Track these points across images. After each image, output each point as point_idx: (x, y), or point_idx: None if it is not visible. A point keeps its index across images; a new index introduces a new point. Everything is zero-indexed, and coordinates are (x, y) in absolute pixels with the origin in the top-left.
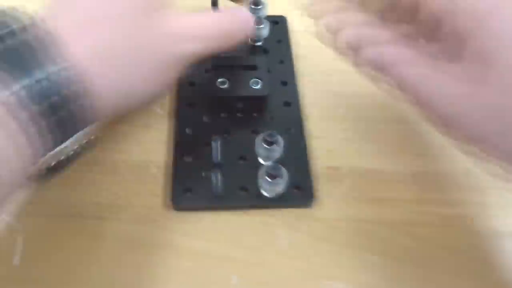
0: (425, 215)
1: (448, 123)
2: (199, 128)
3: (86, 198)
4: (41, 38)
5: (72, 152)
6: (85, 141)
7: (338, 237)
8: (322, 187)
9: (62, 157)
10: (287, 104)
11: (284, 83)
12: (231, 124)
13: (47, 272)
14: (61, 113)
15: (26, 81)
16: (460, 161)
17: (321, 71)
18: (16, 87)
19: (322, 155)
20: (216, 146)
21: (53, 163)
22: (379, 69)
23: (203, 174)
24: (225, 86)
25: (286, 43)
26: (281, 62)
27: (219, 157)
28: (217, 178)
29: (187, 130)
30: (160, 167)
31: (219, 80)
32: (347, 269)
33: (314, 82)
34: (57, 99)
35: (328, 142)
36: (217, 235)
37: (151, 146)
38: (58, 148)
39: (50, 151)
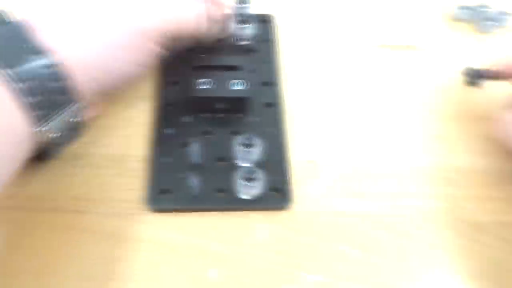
0: (403, 208)
1: None
2: (179, 128)
3: (66, 192)
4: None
5: (61, 139)
6: (72, 129)
7: (317, 230)
8: (302, 180)
9: (54, 143)
10: (269, 105)
11: (268, 84)
12: (212, 124)
13: (27, 265)
14: (44, 92)
15: (17, 68)
16: (433, 155)
17: (308, 70)
18: (9, 72)
19: (303, 149)
20: (195, 147)
21: (45, 148)
22: None
23: (181, 175)
24: (207, 86)
25: (273, 43)
26: (267, 62)
27: (198, 159)
28: (194, 180)
29: (166, 130)
30: (139, 161)
31: (201, 80)
32: (325, 262)
33: (300, 81)
34: (39, 82)
35: (310, 137)
36: (195, 230)
37: (131, 140)
38: (50, 135)
39: (42, 127)
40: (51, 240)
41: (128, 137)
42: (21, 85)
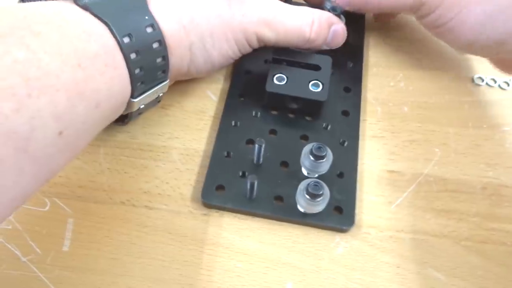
0: (496, 232)
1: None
2: (246, 122)
3: (136, 185)
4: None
5: (143, 109)
6: (154, 101)
7: (399, 249)
8: (380, 192)
9: (136, 112)
10: (345, 113)
11: (348, 89)
12: (281, 124)
13: (94, 260)
14: (146, 57)
15: (128, 31)
16: None
17: (390, 67)
18: (120, 35)
19: (381, 157)
20: (259, 147)
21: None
22: None
23: (240, 173)
24: (282, 82)
25: (359, 44)
26: (350, 65)
27: (260, 160)
28: (253, 181)
29: (233, 122)
30: (209, 156)
31: (277, 75)
32: (408, 285)
33: (381, 81)
34: (150, 58)
35: (390, 144)
36: (269, 239)
37: (201, 134)
38: (138, 105)
39: (137, 92)
40: (121, 236)
41: (199, 130)
42: (133, 56)
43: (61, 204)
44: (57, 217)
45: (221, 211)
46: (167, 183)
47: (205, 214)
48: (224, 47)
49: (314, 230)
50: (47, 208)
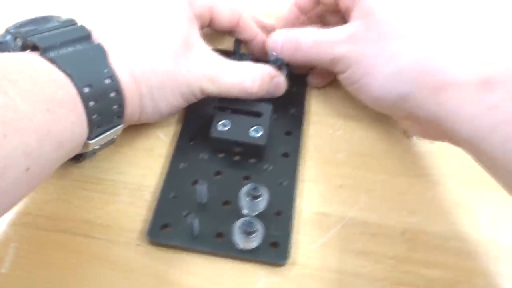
0: (410, 275)
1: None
2: (194, 163)
3: (79, 215)
4: (100, 48)
5: (96, 149)
6: (108, 142)
7: (316, 286)
8: (308, 232)
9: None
10: (285, 155)
11: (288, 133)
12: (226, 166)
13: (30, 284)
14: (103, 105)
15: (88, 82)
16: (454, 222)
17: (330, 116)
18: (81, 85)
19: (312, 199)
20: (203, 188)
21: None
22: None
23: (185, 213)
24: (226, 128)
25: (302, 92)
26: (292, 111)
27: (204, 198)
28: (196, 219)
29: (181, 165)
30: (154, 192)
31: (221, 121)
32: None
33: (321, 128)
34: (104, 98)
35: (321, 187)
36: (208, 274)
37: (149, 171)
38: (93, 146)
39: (93, 134)
40: (60, 263)
41: (147, 167)
42: (92, 103)
43: (6, 228)
44: (0, 240)
45: (165, 248)
46: (110, 215)
47: (147, 249)
48: (171, 99)
49: (250, 266)
50: None
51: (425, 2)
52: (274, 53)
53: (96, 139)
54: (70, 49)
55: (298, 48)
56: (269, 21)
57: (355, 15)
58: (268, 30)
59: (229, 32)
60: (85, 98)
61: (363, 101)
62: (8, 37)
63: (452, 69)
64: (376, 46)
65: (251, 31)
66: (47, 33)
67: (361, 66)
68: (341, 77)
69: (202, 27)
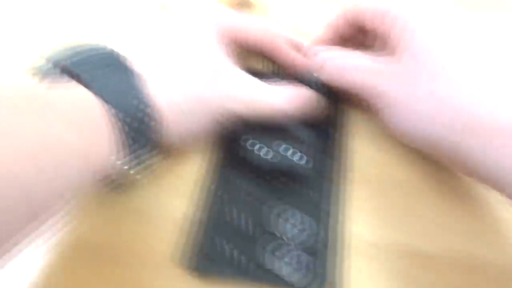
0: None
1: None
2: (233, 191)
3: (124, 244)
4: (140, 78)
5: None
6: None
7: None
8: (359, 265)
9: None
10: (329, 179)
11: (330, 157)
12: (267, 192)
13: None
14: (141, 132)
15: (124, 108)
16: None
17: (372, 137)
18: (114, 111)
19: (363, 227)
20: (243, 213)
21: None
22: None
23: (224, 241)
24: (267, 154)
25: (339, 110)
26: (329, 132)
27: (244, 228)
28: (236, 248)
29: (220, 192)
30: (192, 220)
31: (261, 147)
32: None
33: (363, 151)
34: (137, 123)
35: (371, 215)
36: None
37: (186, 198)
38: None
39: (132, 163)
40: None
41: (184, 194)
42: (127, 128)
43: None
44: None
45: (204, 277)
46: (147, 242)
47: (185, 278)
48: (204, 123)
49: None
50: None
51: (478, 45)
52: (315, 74)
53: (135, 168)
54: (110, 77)
55: (341, 74)
56: (300, 39)
57: (404, 52)
58: (298, 48)
59: (262, 52)
60: (124, 125)
61: (397, 137)
62: (50, 67)
63: (503, 115)
64: (424, 88)
65: (285, 51)
66: (88, 64)
67: (402, 106)
68: (379, 113)
69: (233, 49)
